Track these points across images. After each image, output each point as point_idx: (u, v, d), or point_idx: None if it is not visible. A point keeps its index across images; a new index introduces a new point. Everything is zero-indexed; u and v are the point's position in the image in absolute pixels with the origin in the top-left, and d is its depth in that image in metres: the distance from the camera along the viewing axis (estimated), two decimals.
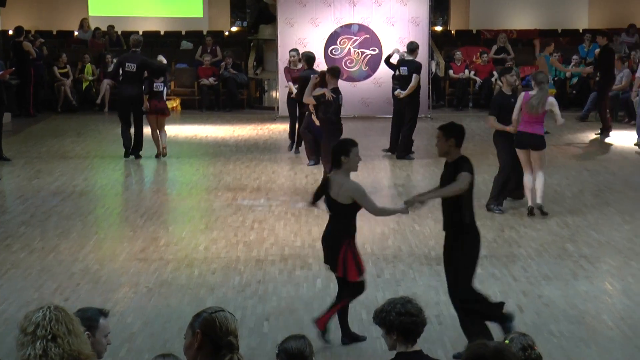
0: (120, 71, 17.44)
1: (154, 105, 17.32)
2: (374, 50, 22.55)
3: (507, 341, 4.99)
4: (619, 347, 8.29)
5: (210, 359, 4.59)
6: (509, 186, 13.38)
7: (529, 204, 12.96)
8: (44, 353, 4.22)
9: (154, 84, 17.36)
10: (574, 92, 23.98)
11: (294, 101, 17.77)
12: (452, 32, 28.88)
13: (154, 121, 17.45)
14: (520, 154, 12.84)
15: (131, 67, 17.05)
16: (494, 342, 4.33)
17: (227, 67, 24.86)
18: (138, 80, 17.21)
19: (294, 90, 17.61)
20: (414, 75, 17.20)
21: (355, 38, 22.56)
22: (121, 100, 17.70)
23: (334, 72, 14.77)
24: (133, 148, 17.39)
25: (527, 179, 12.92)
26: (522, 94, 12.97)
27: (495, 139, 13.27)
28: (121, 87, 17.70)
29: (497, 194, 13.18)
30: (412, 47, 17.62)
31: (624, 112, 21.61)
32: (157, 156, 17.48)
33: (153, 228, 12.44)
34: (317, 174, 15.39)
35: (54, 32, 28.01)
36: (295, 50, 19.26)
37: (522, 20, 28.70)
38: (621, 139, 19.22)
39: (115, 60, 20.57)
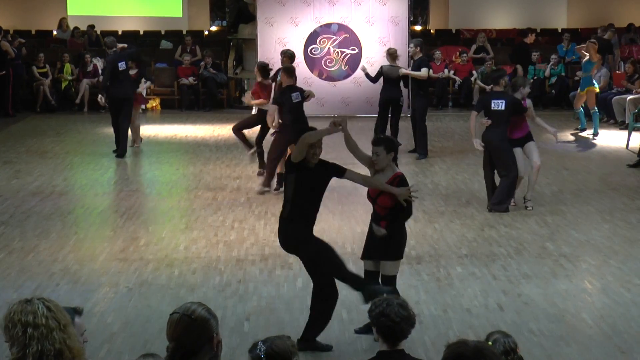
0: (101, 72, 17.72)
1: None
2: (353, 49, 22.59)
3: (490, 342, 4.99)
4: (599, 346, 8.32)
5: None
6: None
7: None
8: (39, 348, 4.17)
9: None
10: (553, 91, 24.07)
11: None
12: (432, 31, 28.91)
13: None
14: None
15: (122, 65, 17.15)
16: (474, 340, 4.33)
17: (206, 66, 24.85)
18: (129, 78, 17.37)
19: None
20: (423, 69, 16.87)
21: (334, 37, 22.59)
22: (116, 100, 17.41)
23: (288, 71, 14.14)
24: (118, 147, 17.48)
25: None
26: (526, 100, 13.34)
27: (505, 144, 13.07)
28: (116, 87, 17.29)
29: (504, 199, 13.09)
30: (419, 43, 17.23)
31: (603, 111, 21.68)
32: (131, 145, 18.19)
33: (133, 228, 12.41)
34: None
35: (33, 32, 27.90)
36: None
37: (501, 20, 28.80)
38: (601, 138, 19.30)
39: (94, 62, 20.58)
